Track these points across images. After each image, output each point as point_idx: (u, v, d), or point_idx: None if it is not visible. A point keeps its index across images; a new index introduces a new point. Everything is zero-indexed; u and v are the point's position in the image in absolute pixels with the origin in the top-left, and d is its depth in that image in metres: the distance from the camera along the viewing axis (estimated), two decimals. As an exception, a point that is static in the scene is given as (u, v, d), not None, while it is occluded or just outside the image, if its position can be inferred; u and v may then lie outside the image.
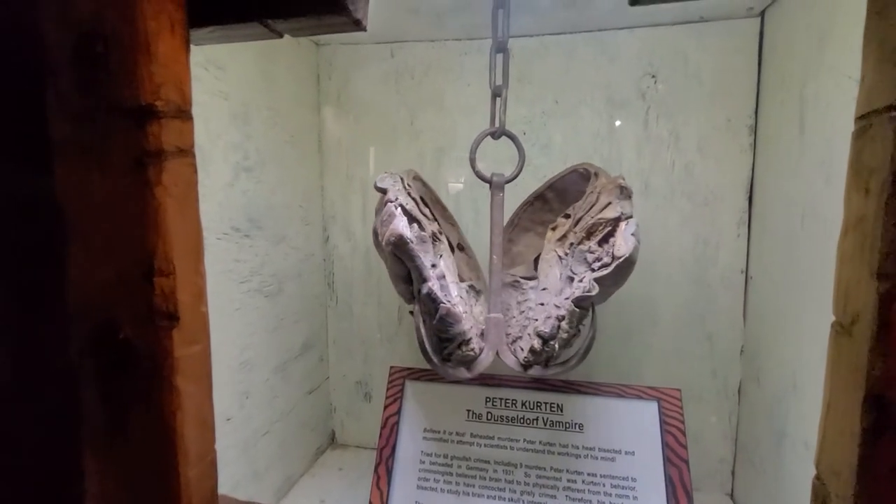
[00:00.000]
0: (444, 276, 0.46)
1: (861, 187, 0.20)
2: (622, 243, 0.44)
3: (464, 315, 0.46)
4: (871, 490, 0.19)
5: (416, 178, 0.54)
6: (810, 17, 0.48)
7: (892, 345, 0.18)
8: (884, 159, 0.18)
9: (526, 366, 0.46)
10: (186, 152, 0.25)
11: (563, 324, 0.44)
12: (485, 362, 0.47)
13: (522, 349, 0.47)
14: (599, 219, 0.47)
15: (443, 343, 0.46)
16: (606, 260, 0.45)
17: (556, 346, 0.44)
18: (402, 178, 0.49)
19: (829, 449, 0.21)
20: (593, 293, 0.43)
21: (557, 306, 0.46)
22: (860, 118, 0.20)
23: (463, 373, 0.47)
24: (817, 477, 0.22)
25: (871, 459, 0.19)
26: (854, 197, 0.20)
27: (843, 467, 0.20)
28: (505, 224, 0.56)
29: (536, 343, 0.45)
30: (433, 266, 0.45)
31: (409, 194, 0.48)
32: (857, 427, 0.19)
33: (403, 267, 0.45)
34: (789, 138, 0.52)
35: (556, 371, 0.46)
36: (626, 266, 0.43)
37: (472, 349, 0.46)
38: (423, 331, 0.45)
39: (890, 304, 0.18)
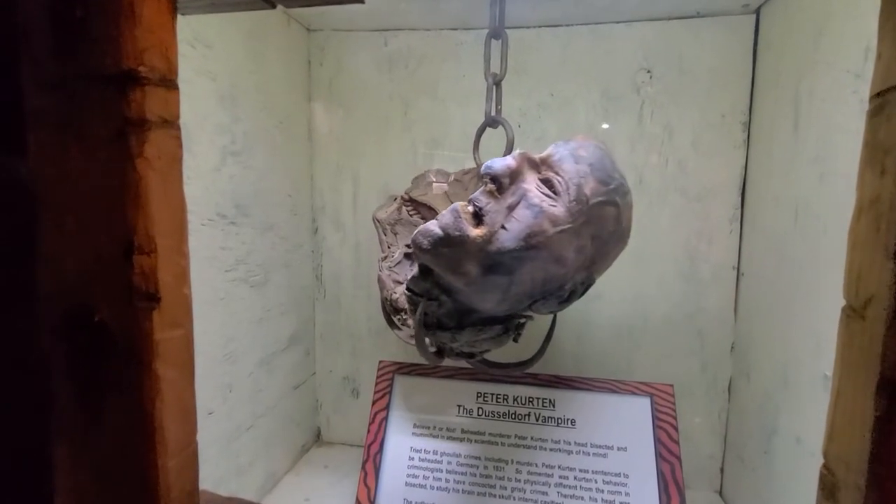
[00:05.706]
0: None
1: (876, 167, 0.19)
2: None
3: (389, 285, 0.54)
4: (883, 478, 0.18)
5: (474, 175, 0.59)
6: (806, 12, 0.48)
7: (910, 326, 0.18)
8: (903, 136, 0.18)
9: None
10: (171, 124, 0.24)
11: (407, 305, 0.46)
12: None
13: None
14: None
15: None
16: None
17: (412, 325, 0.47)
18: (432, 175, 0.60)
19: (838, 437, 0.21)
20: (409, 277, 0.41)
21: None
22: (875, 96, 0.20)
23: (405, 337, 0.53)
24: (825, 466, 0.21)
25: (885, 447, 0.18)
26: (868, 177, 0.20)
27: (854, 456, 0.20)
28: None
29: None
30: (408, 245, 0.54)
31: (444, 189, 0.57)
32: (870, 413, 0.19)
33: None
34: (783, 135, 0.52)
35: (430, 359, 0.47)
36: (415, 252, 0.38)
37: (406, 319, 0.52)
38: (383, 294, 0.55)
39: (908, 284, 0.18)
